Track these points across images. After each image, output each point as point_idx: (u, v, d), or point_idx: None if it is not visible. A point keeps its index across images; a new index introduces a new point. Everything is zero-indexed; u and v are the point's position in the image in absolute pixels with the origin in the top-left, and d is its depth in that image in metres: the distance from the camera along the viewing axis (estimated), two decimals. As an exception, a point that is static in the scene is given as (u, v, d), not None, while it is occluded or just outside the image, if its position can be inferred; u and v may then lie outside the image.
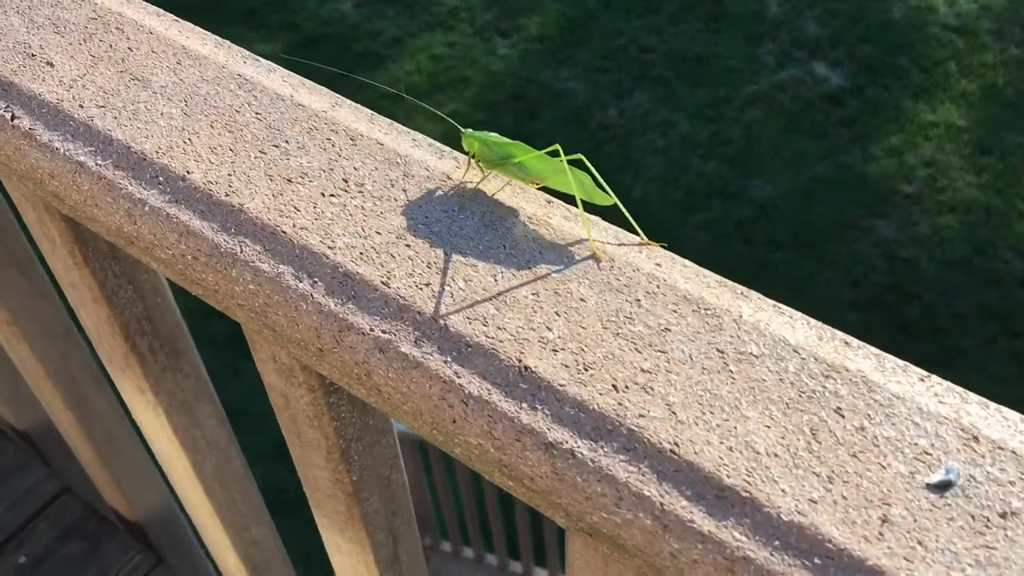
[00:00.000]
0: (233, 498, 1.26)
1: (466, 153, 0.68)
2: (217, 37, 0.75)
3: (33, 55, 0.73)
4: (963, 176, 5.17)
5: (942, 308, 4.54)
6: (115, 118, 0.68)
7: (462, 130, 0.68)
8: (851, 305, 4.48)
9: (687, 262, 0.59)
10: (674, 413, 0.51)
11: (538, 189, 0.67)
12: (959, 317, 4.52)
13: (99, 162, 0.66)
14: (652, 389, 0.52)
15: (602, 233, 0.61)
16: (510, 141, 0.67)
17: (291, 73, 0.72)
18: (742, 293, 0.57)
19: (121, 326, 0.97)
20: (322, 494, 0.91)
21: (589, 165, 0.67)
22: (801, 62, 5.60)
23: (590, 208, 0.65)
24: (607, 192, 0.67)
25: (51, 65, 0.72)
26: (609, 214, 0.65)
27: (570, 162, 0.66)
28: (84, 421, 1.41)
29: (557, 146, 0.67)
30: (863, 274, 4.69)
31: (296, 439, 0.85)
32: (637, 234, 0.62)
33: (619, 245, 0.60)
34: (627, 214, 0.64)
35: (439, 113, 0.67)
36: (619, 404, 0.51)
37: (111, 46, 0.74)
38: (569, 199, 0.67)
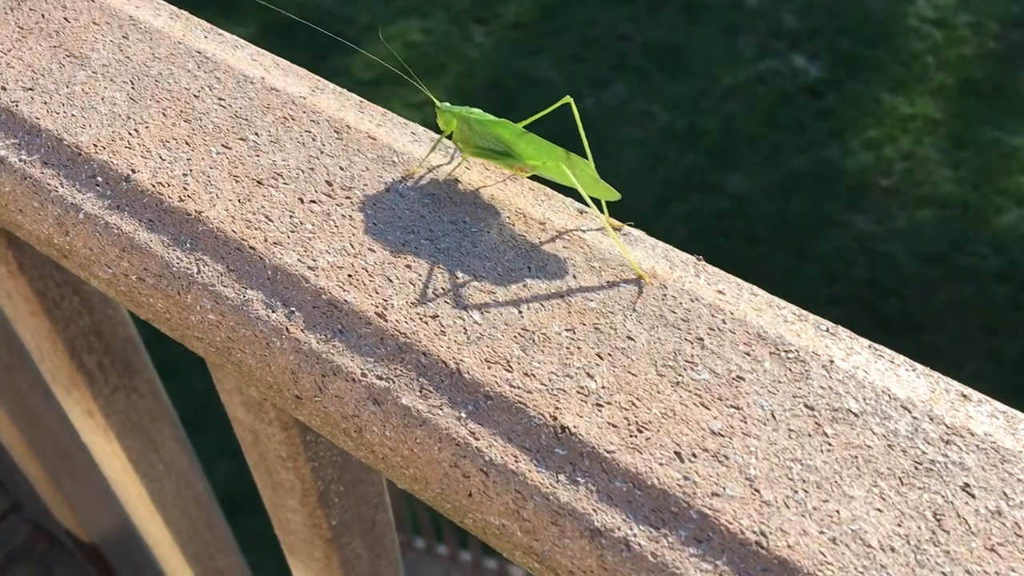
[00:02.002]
0: (195, 526, 1.13)
1: (440, 132, 0.56)
2: (172, 7, 0.63)
3: (-51, 26, 0.61)
4: (940, 170, 5.13)
5: (920, 303, 4.49)
6: (45, 103, 0.56)
7: (438, 104, 0.56)
8: (829, 300, 4.42)
9: (756, 289, 0.48)
10: (757, 491, 0.40)
11: (528, 178, 0.55)
12: (936, 313, 4.48)
13: (23, 157, 0.54)
14: (727, 458, 0.41)
15: (649, 252, 0.50)
16: (496, 119, 0.55)
17: (262, 51, 0.60)
18: (827, 330, 0.46)
19: (65, 342, 0.85)
20: (296, 538, 0.79)
21: (576, 114, 0.55)
22: (779, 54, 5.53)
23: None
24: (607, 185, 0.56)
25: (-31, 38, 0.60)
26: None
27: (558, 138, 0.55)
28: (32, 437, 1.28)
29: (556, 151, 0.55)
30: (841, 269, 4.64)
31: (267, 479, 0.73)
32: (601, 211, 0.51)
33: (671, 267, 0.48)
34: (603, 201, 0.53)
35: (421, 87, 0.56)
36: (685, 478, 0.40)
37: (43, 16, 0.61)
38: (560, 189, 0.55)
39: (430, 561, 3.86)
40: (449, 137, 0.56)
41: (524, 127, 0.56)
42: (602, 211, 0.52)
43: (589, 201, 0.52)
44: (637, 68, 5.35)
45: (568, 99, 0.57)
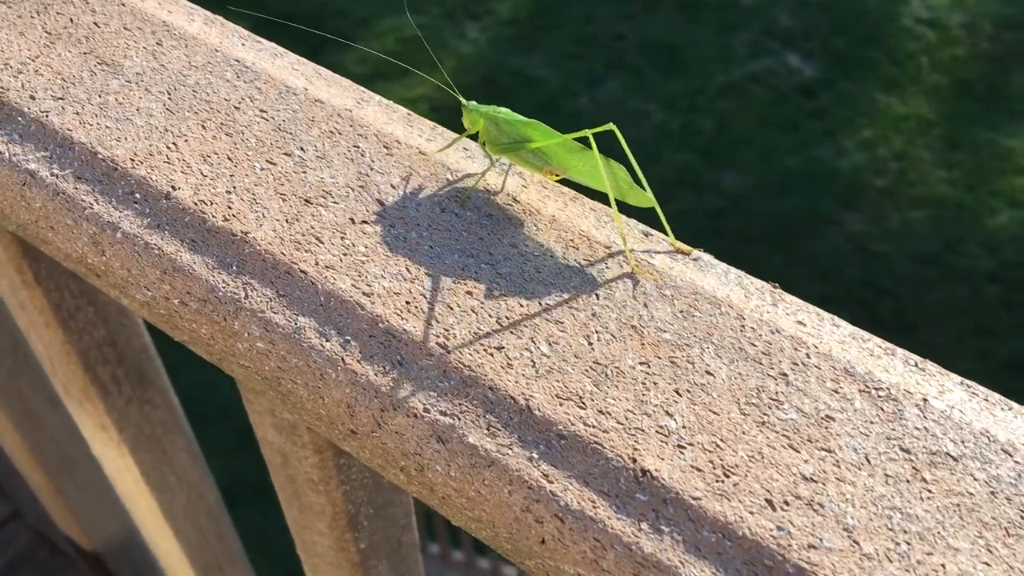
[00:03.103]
0: (205, 538, 1.11)
1: (463, 131, 0.53)
2: (206, 12, 0.60)
3: (-29, 30, 0.58)
4: (934, 171, 5.13)
5: (913, 303, 4.50)
6: (77, 114, 0.53)
7: (464, 102, 0.53)
8: (822, 299, 4.40)
9: (838, 319, 0.45)
10: (856, 543, 0.37)
11: (557, 181, 0.53)
12: (929, 313, 4.48)
13: (56, 171, 0.51)
14: (822, 506, 0.38)
15: (721, 278, 0.47)
16: (525, 120, 0.53)
17: (302, 60, 0.57)
18: (916, 364, 0.43)
19: (79, 354, 0.82)
20: (322, 561, 0.76)
21: (622, 140, 0.53)
22: (774, 53, 5.52)
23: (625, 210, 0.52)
24: (645, 189, 0.53)
25: (-6, 43, 0.57)
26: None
27: (599, 135, 0.52)
28: (35, 443, 1.25)
29: (588, 132, 0.52)
30: (835, 268, 4.63)
31: (293, 501, 0.71)
32: (666, 234, 0.49)
33: (746, 296, 0.46)
34: (664, 220, 0.51)
35: (449, 87, 0.53)
36: (778, 528, 0.38)
37: (72, 20, 0.58)
38: (590, 193, 0.53)
39: (423, 561, 3.82)
40: (473, 137, 0.54)
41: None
42: (667, 234, 0.50)
43: (614, 207, 0.50)
44: (632, 66, 5.33)
45: (611, 126, 0.54)
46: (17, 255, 0.72)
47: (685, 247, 0.49)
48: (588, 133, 0.50)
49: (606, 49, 5.32)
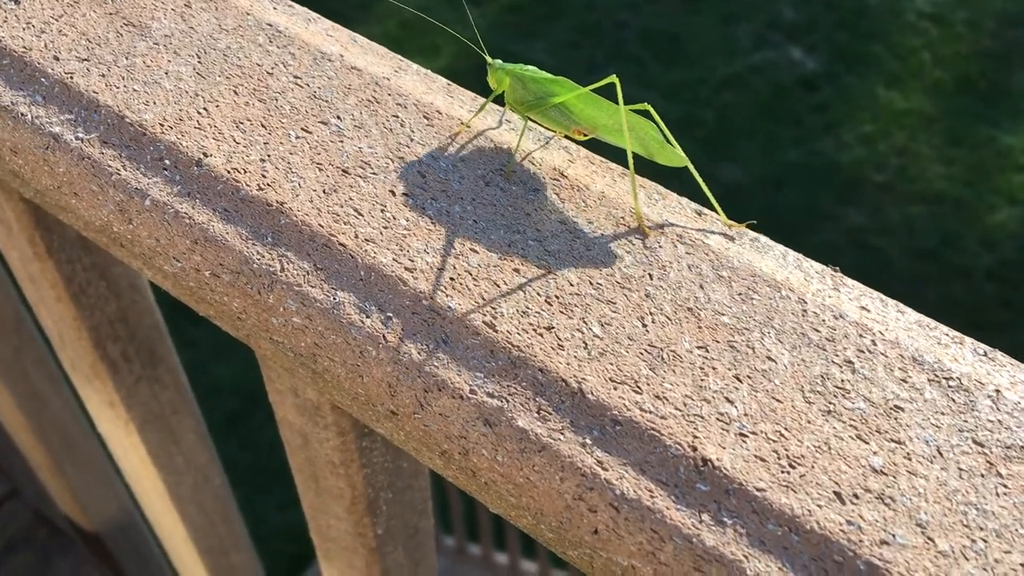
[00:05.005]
0: (211, 521, 1.09)
1: (491, 92, 0.51)
2: (237, -26, 0.57)
3: (-10, -13, 0.55)
4: (934, 166, 5.13)
5: (910, 299, 4.48)
6: (103, 76, 0.51)
7: (489, 60, 0.52)
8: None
9: (902, 306, 0.43)
10: (931, 540, 0.35)
11: (582, 142, 0.51)
12: (927, 309, 4.47)
13: (81, 135, 0.49)
14: (893, 501, 0.36)
15: (780, 260, 0.45)
16: (551, 77, 0.51)
17: (337, 26, 0.55)
18: (985, 354, 0.41)
19: (90, 329, 0.79)
20: (336, 546, 0.74)
21: (656, 116, 0.51)
22: (777, 45, 5.50)
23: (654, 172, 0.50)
24: (676, 148, 0.51)
25: (15, 1, 0.54)
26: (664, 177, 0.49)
27: (634, 112, 0.50)
28: (37, 422, 1.22)
29: (614, 78, 0.50)
30: (833, 262, 4.62)
31: (311, 484, 0.69)
32: (715, 210, 0.47)
33: (807, 279, 0.44)
34: (700, 181, 0.49)
35: (478, 47, 0.51)
36: (848, 523, 0.36)
37: (96, -20, 0.56)
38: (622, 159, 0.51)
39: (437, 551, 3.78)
40: (498, 100, 0.52)
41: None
42: (716, 211, 0.48)
43: (631, 164, 0.48)
44: (634, 56, 5.30)
45: (613, 78, 0.52)
46: (30, 226, 0.70)
47: (736, 224, 0.47)
48: (615, 83, 0.48)
49: (608, 38, 5.29)
